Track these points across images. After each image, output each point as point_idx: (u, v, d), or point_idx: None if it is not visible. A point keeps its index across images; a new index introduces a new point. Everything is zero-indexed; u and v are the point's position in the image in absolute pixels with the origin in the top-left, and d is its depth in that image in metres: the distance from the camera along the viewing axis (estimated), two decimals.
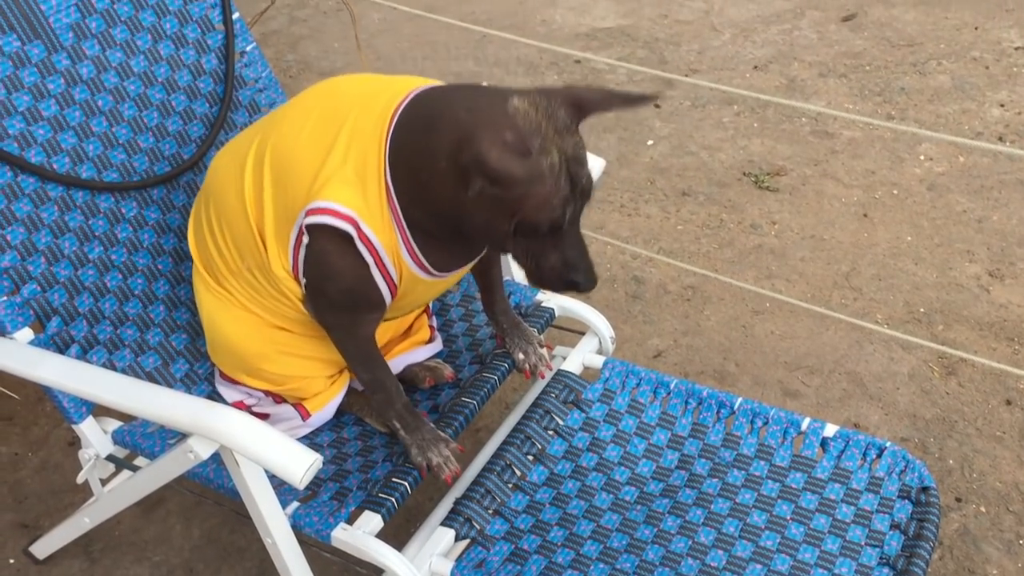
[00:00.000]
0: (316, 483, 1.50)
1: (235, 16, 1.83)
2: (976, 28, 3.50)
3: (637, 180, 2.88)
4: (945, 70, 3.28)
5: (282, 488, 1.45)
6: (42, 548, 1.82)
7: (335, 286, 1.35)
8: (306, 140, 1.33)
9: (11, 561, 1.87)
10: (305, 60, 3.68)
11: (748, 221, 2.69)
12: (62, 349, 1.54)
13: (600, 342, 1.78)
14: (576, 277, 1.26)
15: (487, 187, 1.15)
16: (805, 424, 1.58)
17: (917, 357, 2.21)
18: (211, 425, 1.21)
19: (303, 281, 1.37)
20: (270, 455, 1.18)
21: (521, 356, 1.65)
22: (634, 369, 1.70)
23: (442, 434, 1.52)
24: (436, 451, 1.49)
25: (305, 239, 1.31)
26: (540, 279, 1.29)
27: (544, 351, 1.66)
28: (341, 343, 1.47)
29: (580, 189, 1.21)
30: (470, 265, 1.47)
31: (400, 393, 1.52)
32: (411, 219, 1.29)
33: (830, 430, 1.56)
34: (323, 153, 1.29)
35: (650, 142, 3.04)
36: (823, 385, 2.17)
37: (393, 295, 1.37)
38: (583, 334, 1.80)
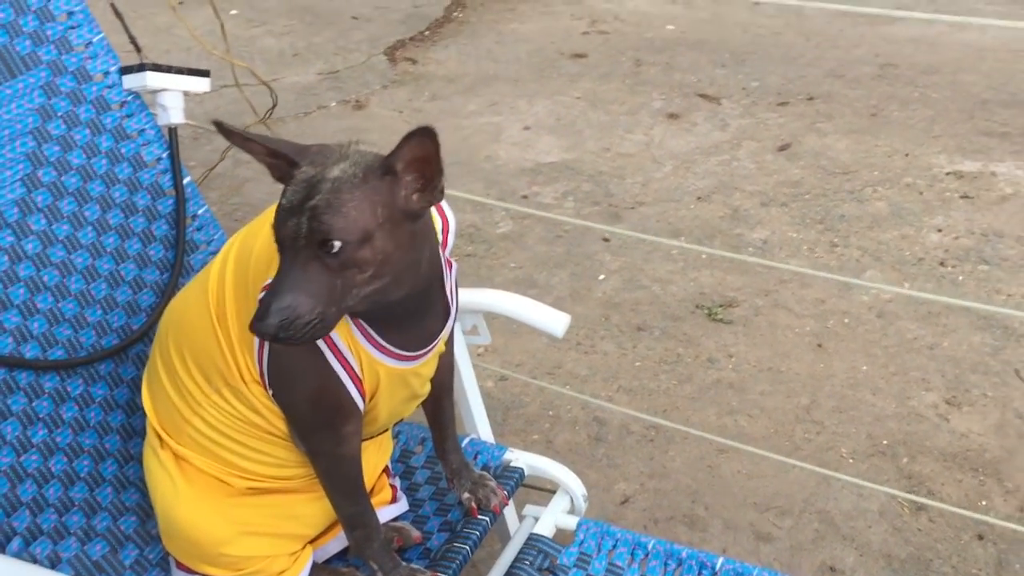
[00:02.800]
0: None
1: (187, 180, 1.80)
2: (907, 155, 3.63)
3: (591, 316, 2.87)
4: (881, 196, 3.37)
5: None
6: None
7: (301, 391, 1.32)
8: (264, 226, 1.29)
9: None
10: (251, 203, 3.66)
11: (705, 355, 2.69)
12: (3, 544, 1.44)
13: (572, 500, 1.72)
14: (259, 309, 1.11)
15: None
16: None
17: (885, 493, 2.19)
18: None
19: (270, 392, 1.34)
20: None
21: (467, 495, 1.61)
22: (609, 530, 1.64)
23: (417, 567, 1.48)
24: None
25: None
26: None
27: (496, 487, 1.62)
28: (327, 473, 1.41)
29: (296, 207, 1.13)
30: (427, 354, 1.38)
31: (380, 531, 1.47)
32: None
33: None
34: (268, 239, 1.25)
35: (601, 276, 3.05)
36: (795, 527, 2.13)
37: (362, 395, 1.33)
38: (554, 492, 1.74)
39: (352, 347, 1.30)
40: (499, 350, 2.74)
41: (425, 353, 1.38)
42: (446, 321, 1.40)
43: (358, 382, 1.32)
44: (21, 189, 1.57)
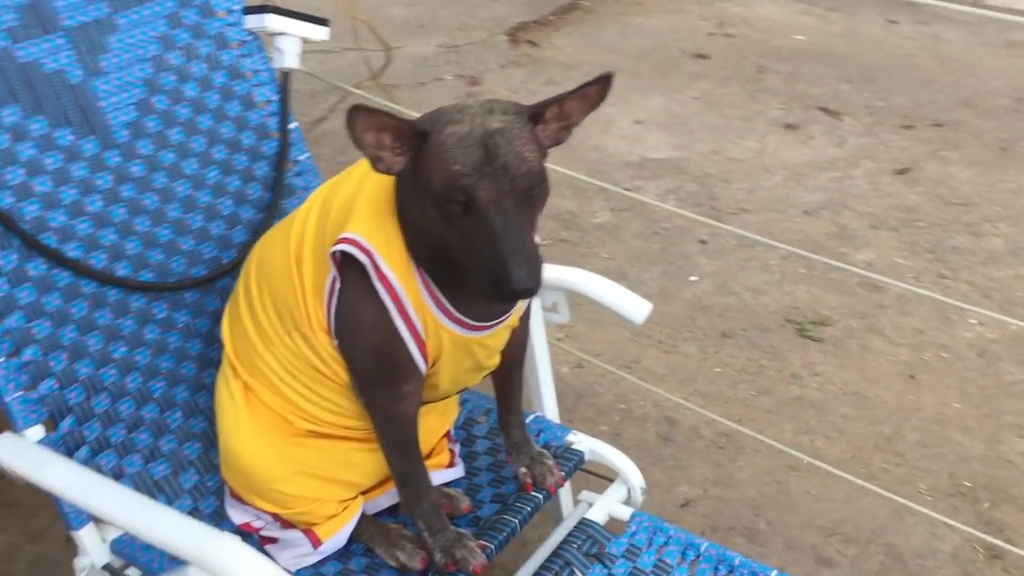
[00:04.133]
0: None
1: (293, 126, 1.83)
2: None
3: (678, 316, 2.82)
4: (1000, 233, 3.22)
5: None
6: None
7: (363, 344, 1.33)
8: (348, 180, 1.35)
9: None
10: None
11: (789, 370, 2.61)
12: (72, 450, 1.48)
13: (629, 491, 1.69)
14: (506, 267, 1.11)
15: (409, 153, 1.19)
16: None
17: (961, 535, 2.09)
18: (214, 559, 1.14)
19: (336, 342, 1.35)
20: None
21: (523, 469, 1.60)
22: (663, 526, 1.61)
23: (464, 532, 1.47)
24: (460, 547, 1.44)
25: (337, 284, 1.30)
26: (471, 267, 1.16)
27: (553, 466, 1.60)
28: (382, 428, 1.42)
29: (501, 163, 1.14)
30: (495, 327, 1.37)
31: (431, 491, 1.47)
32: (421, 255, 1.28)
33: None
34: (356, 184, 1.31)
35: (694, 278, 3.00)
36: (859, 556, 2.05)
37: (424, 358, 1.33)
38: (612, 481, 1.71)
39: (419, 310, 1.30)
40: (579, 337, 2.72)
41: (493, 325, 1.37)
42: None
43: (421, 344, 1.32)
44: (134, 113, 1.62)
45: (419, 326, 1.31)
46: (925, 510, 2.09)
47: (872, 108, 4.16)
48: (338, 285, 1.31)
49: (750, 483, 2.25)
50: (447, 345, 1.35)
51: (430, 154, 1.17)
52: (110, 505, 1.27)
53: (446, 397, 1.52)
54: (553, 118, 1.25)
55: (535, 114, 1.23)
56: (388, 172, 1.22)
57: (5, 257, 1.44)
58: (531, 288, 1.13)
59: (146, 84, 1.63)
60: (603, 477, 1.75)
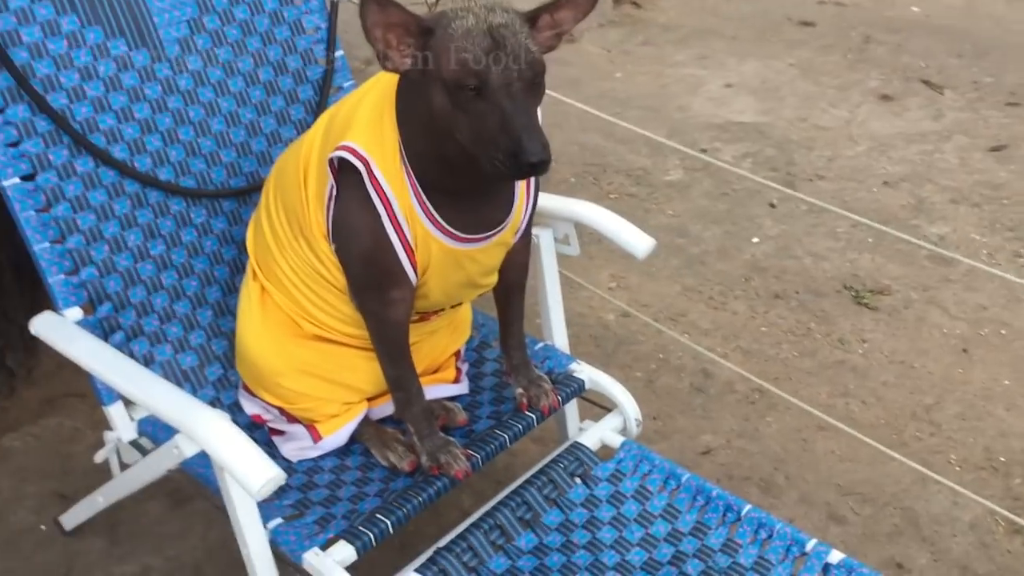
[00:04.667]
0: (304, 504, 1.53)
1: (339, 54, 1.93)
2: None
3: (732, 275, 2.82)
4: None
5: (269, 503, 1.49)
6: (69, 520, 1.91)
7: (355, 248, 1.42)
8: (352, 97, 1.45)
9: (42, 527, 1.97)
10: None
11: (836, 335, 2.58)
12: (107, 334, 1.63)
13: (624, 422, 1.74)
14: (520, 142, 1.19)
15: (416, 51, 1.27)
16: (810, 545, 1.49)
17: (985, 508, 2.05)
18: (191, 424, 1.26)
19: (333, 247, 1.45)
20: (234, 461, 1.22)
21: (520, 390, 1.67)
22: (649, 455, 1.66)
23: (452, 439, 1.56)
24: (446, 452, 1.53)
25: (334, 191, 1.40)
26: (483, 150, 1.23)
27: (550, 389, 1.66)
28: (374, 333, 1.52)
29: (510, 51, 1.23)
30: (484, 241, 1.45)
31: (421, 397, 1.56)
32: (416, 164, 1.36)
33: (835, 557, 1.47)
34: (358, 100, 1.41)
35: (755, 239, 2.98)
36: (873, 516, 2.04)
37: (413, 266, 1.41)
38: (610, 411, 1.77)
39: (409, 218, 1.38)
40: (631, 288, 2.75)
41: (482, 239, 1.43)
42: (509, 213, 1.45)
43: (410, 251, 1.40)
44: (185, 30, 1.74)
45: (408, 233, 1.39)
46: (949, 482, 2.05)
47: (978, 84, 4.00)
48: (335, 192, 1.40)
49: (775, 438, 2.25)
50: (436, 255, 1.42)
51: (439, 46, 1.25)
52: (121, 374, 1.41)
53: (441, 310, 1.60)
54: (546, 25, 1.32)
55: (531, 18, 1.30)
56: (395, 70, 1.30)
57: (56, 152, 1.59)
58: (544, 160, 1.20)
59: (198, 4, 1.75)
60: (604, 408, 1.80)
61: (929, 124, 3.68)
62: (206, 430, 1.25)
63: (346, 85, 1.94)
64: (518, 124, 1.20)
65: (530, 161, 1.19)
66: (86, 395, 2.31)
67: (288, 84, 1.86)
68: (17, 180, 1.55)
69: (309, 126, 1.86)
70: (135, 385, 1.38)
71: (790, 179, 3.30)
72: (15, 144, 1.55)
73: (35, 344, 2.31)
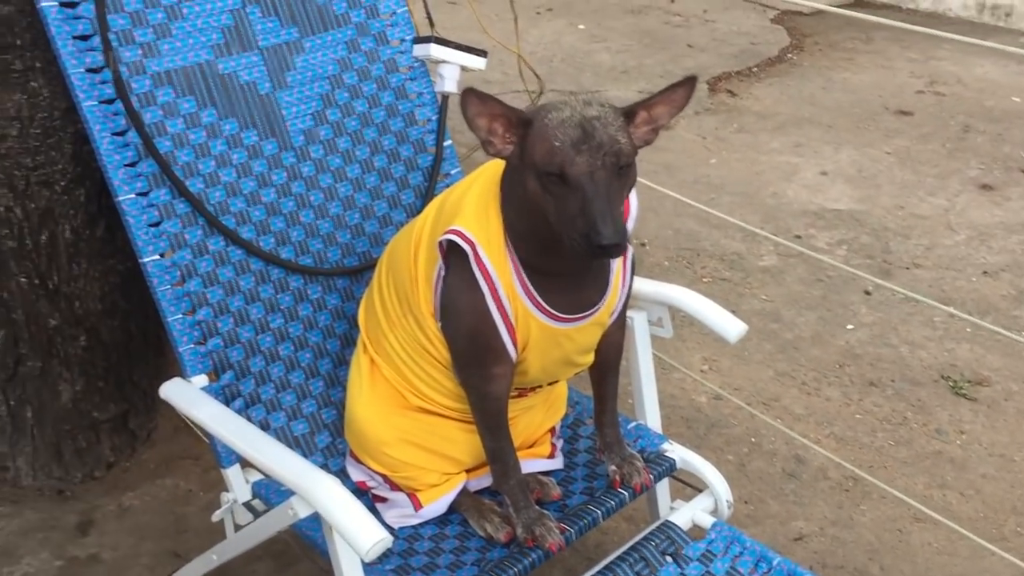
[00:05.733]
0: (405, 570, 1.60)
1: (448, 143, 2.06)
2: None
3: (826, 361, 2.83)
4: None
5: (373, 567, 1.56)
6: None
7: (460, 325, 1.51)
8: (461, 184, 1.57)
9: None
10: None
11: (934, 425, 2.56)
12: (228, 400, 1.75)
13: (716, 503, 1.77)
14: (595, 225, 1.27)
15: (517, 139, 1.38)
16: None
17: None
18: (305, 485, 1.35)
19: (439, 324, 1.54)
20: (346, 522, 1.30)
21: (613, 467, 1.71)
22: (740, 537, 1.68)
23: (547, 513, 1.62)
24: (540, 525, 1.59)
25: (443, 272, 1.49)
26: (564, 231, 1.32)
27: (642, 467, 1.70)
28: (474, 406, 1.60)
29: (597, 142, 1.32)
30: (581, 321, 1.52)
31: (518, 470, 1.63)
32: (518, 247, 1.46)
33: None
34: (467, 187, 1.51)
35: (850, 326, 2.98)
36: None
37: (514, 341, 1.49)
38: (701, 491, 1.80)
39: (511, 297, 1.47)
40: (723, 371, 2.78)
41: (578, 319, 1.51)
42: (604, 294, 1.52)
43: (511, 329, 1.48)
44: (310, 122, 1.89)
45: (510, 312, 1.47)
46: None
47: None
48: (443, 272, 1.51)
49: (870, 528, 2.24)
50: (535, 333, 1.50)
51: (535, 136, 1.36)
52: (242, 438, 1.52)
53: (538, 387, 1.68)
54: (643, 121, 1.41)
55: (628, 112, 1.40)
56: (498, 155, 1.42)
57: (191, 232, 1.73)
58: (617, 244, 1.29)
59: (323, 98, 1.91)
60: (695, 488, 1.83)
61: None
62: (321, 493, 1.34)
63: (453, 172, 2.06)
64: (595, 209, 1.29)
65: (602, 243, 1.28)
66: (200, 458, 2.45)
67: (400, 171, 1.99)
68: (156, 257, 1.69)
69: (418, 210, 1.99)
70: (256, 449, 1.48)
71: (886, 267, 3.30)
72: (156, 224, 1.70)
73: (155, 408, 2.47)
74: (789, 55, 5.44)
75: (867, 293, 3.15)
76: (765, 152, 4.22)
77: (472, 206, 1.49)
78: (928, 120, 4.53)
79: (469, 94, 1.35)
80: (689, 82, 1.42)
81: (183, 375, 1.72)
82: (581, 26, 5.84)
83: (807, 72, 5.19)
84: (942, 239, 3.48)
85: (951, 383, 2.72)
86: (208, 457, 2.44)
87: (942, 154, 4.18)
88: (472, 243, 1.45)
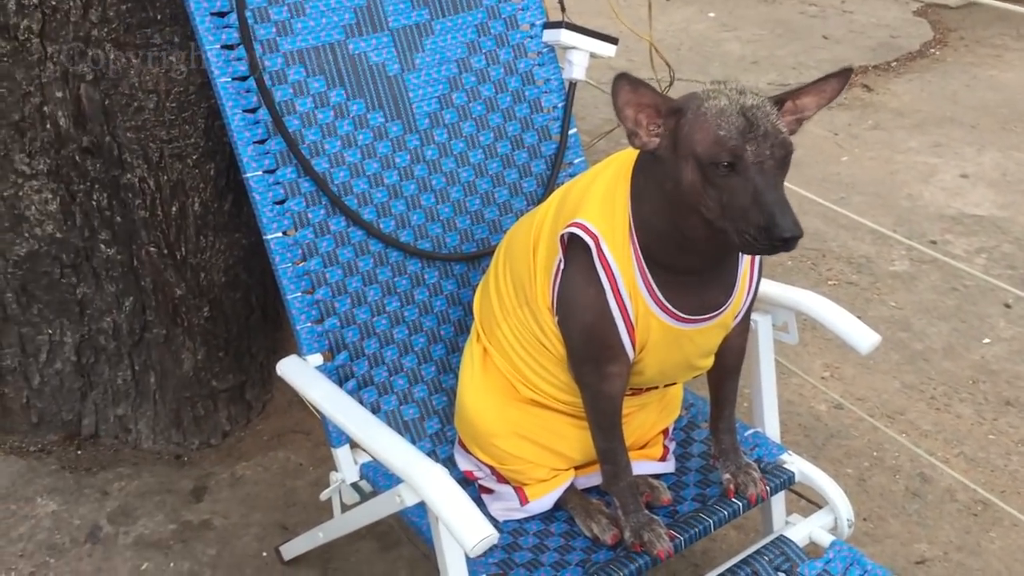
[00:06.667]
0: (508, 565, 1.57)
1: (572, 131, 2.01)
2: None
3: (959, 375, 2.67)
4: None
5: (476, 559, 1.54)
6: (288, 550, 2.04)
7: (578, 321, 1.47)
8: (585, 176, 1.51)
9: (264, 554, 2.12)
10: None
11: None
12: (342, 381, 1.76)
13: (836, 521, 1.69)
14: (774, 217, 1.21)
15: (666, 130, 1.32)
16: None
17: None
18: (413, 475, 1.34)
19: (556, 318, 1.50)
20: (453, 517, 1.28)
21: (727, 476, 1.65)
22: (861, 559, 1.60)
23: (656, 518, 1.58)
24: (649, 530, 1.55)
25: (562, 265, 1.45)
26: (735, 224, 1.26)
27: (759, 478, 1.63)
28: (588, 404, 1.56)
29: (763, 131, 1.25)
30: (704, 322, 1.46)
31: (629, 472, 1.59)
32: (646, 244, 1.40)
33: None
34: (591, 179, 1.46)
35: (987, 340, 2.82)
36: None
37: (632, 341, 1.44)
38: (820, 507, 1.72)
39: (632, 295, 1.42)
40: (845, 379, 2.66)
41: (702, 320, 1.45)
42: (731, 296, 1.46)
43: (630, 328, 1.43)
44: (436, 105, 1.88)
45: (630, 310, 1.43)
46: None
47: None
48: (562, 266, 1.47)
49: (999, 556, 2.11)
50: (655, 333, 1.45)
51: (692, 125, 1.30)
52: (354, 421, 1.52)
53: (654, 388, 1.62)
54: (788, 111, 1.34)
55: (777, 101, 1.33)
56: (643, 148, 1.36)
57: (315, 211, 1.74)
58: (796, 236, 1.22)
59: (449, 81, 1.89)
60: (812, 502, 1.75)
61: None
62: (429, 484, 1.32)
63: (576, 161, 2.02)
64: (771, 200, 1.23)
65: (783, 236, 1.21)
66: (311, 433, 2.48)
67: (523, 158, 1.96)
68: (280, 234, 1.71)
69: (539, 198, 1.96)
70: (365, 432, 1.48)
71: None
72: (281, 202, 1.71)
73: (271, 381, 2.51)
74: (932, 50, 5.17)
75: (1007, 306, 2.96)
76: (901, 151, 4.02)
77: (597, 199, 1.44)
78: None
79: (621, 80, 1.29)
80: (844, 74, 1.34)
81: (299, 353, 1.73)
82: (712, 14, 5.69)
83: (950, 68, 4.93)
84: None
85: None
86: (319, 432, 2.48)
87: None
88: (596, 236, 1.41)
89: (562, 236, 1.45)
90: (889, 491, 2.29)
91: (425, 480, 1.34)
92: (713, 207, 1.28)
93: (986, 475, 2.33)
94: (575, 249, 1.44)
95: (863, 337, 1.65)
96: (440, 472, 1.34)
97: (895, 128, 4.25)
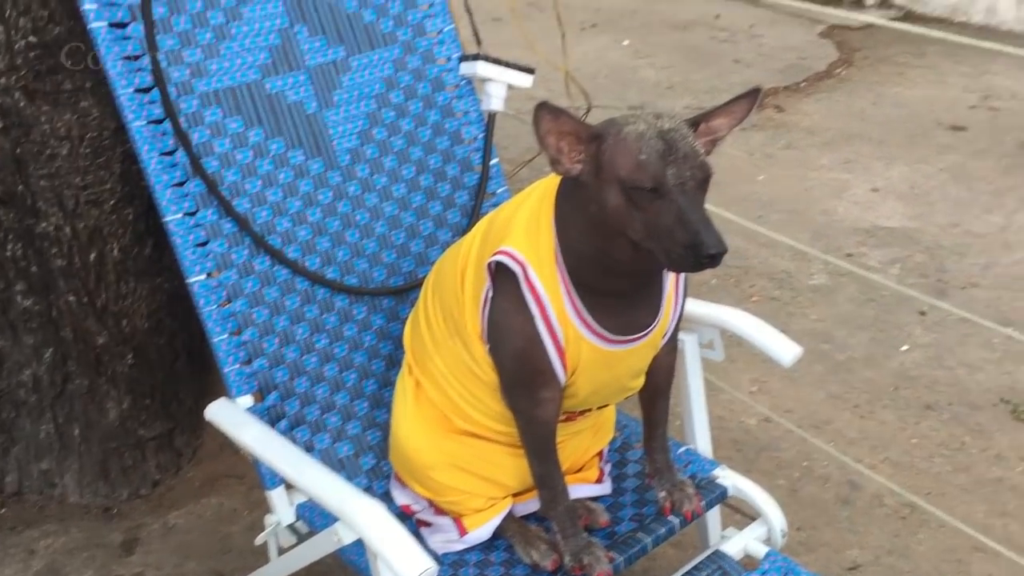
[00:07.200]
0: None
1: (494, 162, 2.04)
2: None
3: (880, 383, 2.76)
4: None
5: None
6: None
7: (508, 348, 1.48)
8: (509, 205, 1.53)
9: None
10: None
11: (994, 451, 2.48)
12: (274, 421, 1.74)
13: (769, 532, 1.72)
14: (698, 235, 1.24)
15: (587, 156, 1.34)
16: None
17: None
18: (350, 512, 1.33)
19: (487, 347, 1.51)
20: (391, 551, 1.27)
21: (663, 494, 1.67)
22: (795, 568, 1.63)
23: (595, 540, 1.58)
24: (588, 553, 1.55)
25: (491, 294, 1.46)
26: (660, 244, 1.28)
27: (693, 494, 1.65)
28: (523, 431, 1.57)
29: (682, 154, 1.28)
30: (633, 343, 1.48)
31: (566, 496, 1.59)
32: (572, 268, 1.42)
33: None
34: (515, 207, 1.48)
35: (904, 347, 2.91)
36: None
37: (563, 365, 1.46)
38: (754, 519, 1.75)
39: (561, 319, 1.44)
40: (772, 393, 2.72)
41: (631, 340, 1.47)
42: (657, 315, 1.49)
43: (561, 352, 1.45)
44: (356, 141, 1.88)
45: (560, 335, 1.44)
46: None
47: None
48: (491, 294, 1.48)
49: (927, 557, 2.17)
50: (586, 356, 1.47)
51: (613, 150, 1.32)
52: (287, 462, 1.50)
53: (587, 410, 1.64)
54: (703, 133, 1.38)
55: (692, 123, 1.37)
56: (566, 174, 1.38)
57: (238, 252, 1.73)
58: (721, 251, 1.25)
59: (369, 117, 1.90)
60: (747, 515, 1.78)
61: None
62: (365, 520, 1.32)
63: (499, 191, 2.04)
64: (695, 219, 1.26)
65: (709, 253, 1.25)
66: (244, 476, 2.44)
67: (446, 190, 1.97)
68: (203, 277, 1.69)
69: (464, 229, 1.97)
70: (299, 472, 1.47)
71: (941, 286, 3.22)
72: (203, 244, 1.69)
73: (201, 426, 2.47)
74: (838, 70, 5.35)
75: (922, 314, 3.07)
76: (814, 168, 4.15)
77: (522, 226, 1.46)
78: (982, 136, 4.43)
79: (542, 109, 1.31)
80: (752, 94, 1.38)
81: (228, 395, 1.71)
82: (626, 42, 5.81)
83: (856, 87, 5.11)
84: (999, 258, 3.39)
85: (1011, 407, 2.63)
86: (252, 476, 2.43)
87: (997, 171, 4.08)
88: (522, 263, 1.43)
89: (489, 264, 1.46)
90: (820, 500, 2.35)
91: (362, 516, 1.33)
92: (639, 229, 1.31)
93: (911, 479, 2.40)
94: (503, 277, 1.46)
95: (785, 350, 1.69)
96: (376, 507, 1.34)
97: (807, 146, 4.38)
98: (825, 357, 2.87)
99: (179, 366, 2.34)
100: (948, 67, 5.27)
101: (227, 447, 2.47)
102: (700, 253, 1.25)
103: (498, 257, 1.45)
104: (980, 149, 4.29)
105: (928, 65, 5.33)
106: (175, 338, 2.30)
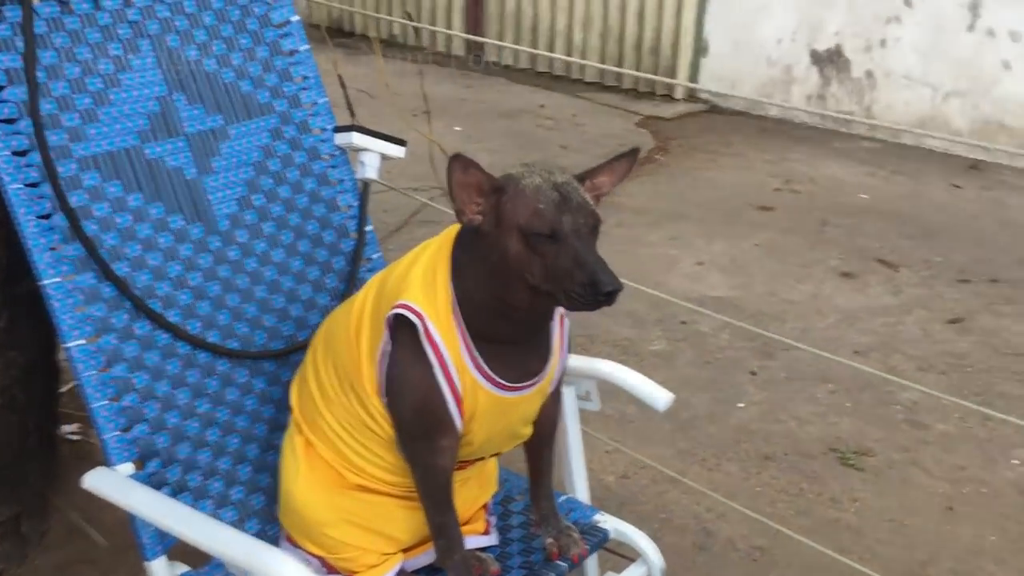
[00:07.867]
0: None
1: (369, 228, 2.09)
2: None
3: (723, 438, 2.95)
4: None
5: None
6: None
7: (408, 400, 1.52)
8: (402, 263, 1.59)
9: None
10: None
11: (828, 495, 2.70)
12: (155, 488, 1.69)
13: (649, 571, 1.81)
14: (595, 275, 1.34)
15: (487, 207, 1.43)
16: None
17: None
18: (262, 563, 1.33)
19: (384, 401, 1.54)
20: None
21: (550, 540, 1.73)
22: None
23: None
24: None
25: (388, 347, 1.51)
26: (560, 286, 1.38)
27: (579, 538, 1.73)
28: (420, 480, 1.59)
29: (575, 204, 1.40)
30: (526, 389, 1.56)
31: (462, 545, 1.63)
32: (469, 317, 1.49)
33: None
34: (409, 264, 1.54)
35: (741, 404, 3.13)
36: None
37: (460, 412, 1.51)
38: (634, 560, 1.84)
39: (459, 368, 1.50)
40: (628, 450, 2.86)
41: (524, 387, 1.56)
42: (547, 363, 1.58)
43: (459, 401, 1.51)
44: (235, 206, 1.90)
45: (458, 383, 1.50)
46: None
47: (930, 262, 4.30)
48: (389, 348, 1.53)
49: None
50: (482, 403, 1.54)
51: (513, 201, 1.42)
52: (184, 522, 1.47)
53: (481, 458, 1.70)
54: (588, 188, 1.50)
55: (579, 179, 1.50)
56: (469, 224, 1.47)
57: (117, 316, 1.70)
58: (617, 288, 1.36)
59: (247, 184, 1.92)
60: (628, 558, 1.87)
61: (890, 299, 3.94)
62: (278, 568, 1.31)
63: (375, 256, 2.10)
64: (591, 260, 1.37)
65: (606, 290, 1.35)
66: (96, 561, 2.33)
67: (324, 256, 2.01)
68: (82, 342, 1.65)
69: (342, 293, 2.01)
70: (199, 529, 1.44)
71: (768, 349, 3.48)
72: (81, 308, 1.66)
73: (48, 509, 2.34)
74: (656, 156, 5.74)
75: (753, 373, 3.31)
76: (645, 245, 4.42)
77: (418, 280, 1.52)
78: (788, 215, 4.85)
79: (455, 161, 1.41)
80: (632, 154, 1.52)
81: (107, 463, 1.65)
82: (458, 128, 6.02)
83: (674, 172, 5.49)
84: (814, 322, 3.71)
85: (839, 454, 2.87)
86: (106, 561, 2.33)
87: (804, 246, 4.47)
88: (421, 316, 1.49)
89: (388, 318, 1.51)
90: (680, 547, 2.47)
91: (272, 566, 1.32)
92: (538, 272, 1.40)
93: (759, 525, 2.56)
94: (402, 330, 1.51)
95: (660, 396, 1.82)
96: (286, 558, 1.34)
97: (637, 225, 4.66)
98: (672, 416, 3.05)
99: (29, 445, 2.22)
100: (753, 154, 5.76)
101: (77, 532, 2.35)
102: (598, 291, 1.36)
103: (397, 310, 1.50)
104: (787, 227, 4.69)
105: (736, 152, 5.81)
106: (27, 416, 2.19)
